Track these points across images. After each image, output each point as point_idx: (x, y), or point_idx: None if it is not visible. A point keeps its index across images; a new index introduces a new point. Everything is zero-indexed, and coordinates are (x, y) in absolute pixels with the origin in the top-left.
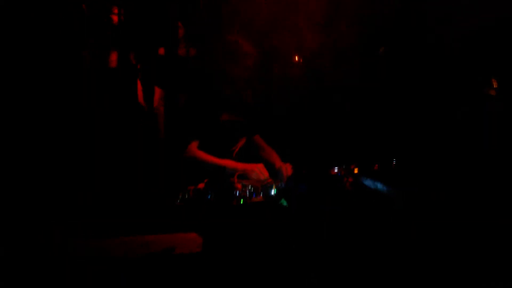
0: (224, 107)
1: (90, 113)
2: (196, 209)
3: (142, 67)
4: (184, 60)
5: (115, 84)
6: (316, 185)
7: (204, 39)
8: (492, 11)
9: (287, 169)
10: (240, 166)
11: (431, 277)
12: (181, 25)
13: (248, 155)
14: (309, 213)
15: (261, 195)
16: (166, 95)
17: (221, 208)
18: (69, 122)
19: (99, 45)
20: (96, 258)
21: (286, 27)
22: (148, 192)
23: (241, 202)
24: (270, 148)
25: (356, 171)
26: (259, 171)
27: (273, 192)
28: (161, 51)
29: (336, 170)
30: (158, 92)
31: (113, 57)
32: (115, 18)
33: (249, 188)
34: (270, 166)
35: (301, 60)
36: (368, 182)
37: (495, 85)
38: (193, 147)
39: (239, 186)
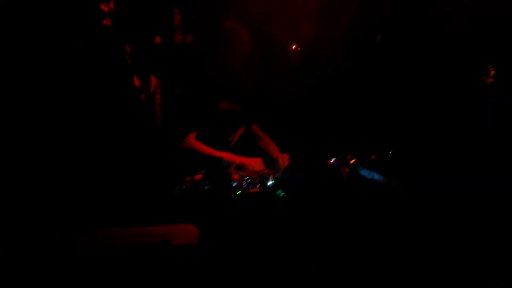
0: (221, 95)
1: (85, 105)
2: (193, 200)
3: (138, 55)
4: (181, 47)
5: (111, 74)
6: (312, 175)
7: (200, 26)
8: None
9: (284, 160)
10: (238, 159)
11: (428, 271)
12: (178, 11)
13: (246, 145)
14: (306, 204)
15: (258, 186)
16: (163, 84)
17: (218, 199)
18: (64, 114)
19: (94, 35)
20: (93, 248)
21: (283, 15)
22: (145, 182)
23: (238, 193)
24: (268, 138)
25: (352, 161)
26: (256, 165)
27: (270, 183)
28: (158, 39)
29: (332, 161)
30: (154, 81)
31: (109, 47)
32: (110, 6)
33: (246, 179)
34: (267, 157)
35: (298, 49)
36: (364, 172)
37: (492, 73)
38: (191, 138)
39: (236, 177)
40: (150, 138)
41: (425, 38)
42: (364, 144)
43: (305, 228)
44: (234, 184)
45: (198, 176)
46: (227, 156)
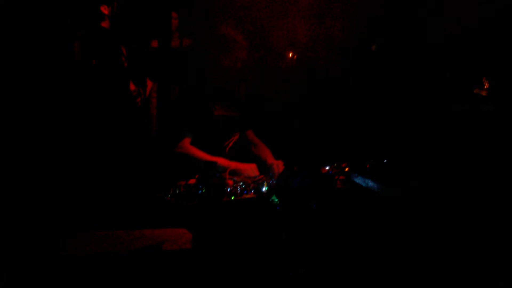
0: (217, 100)
1: (80, 106)
2: (186, 204)
3: (135, 58)
4: (177, 51)
5: (107, 76)
6: (307, 182)
7: (197, 31)
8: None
9: (278, 166)
10: (232, 164)
11: (423, 276)
12: (175, 15)
13: (241, 151)
14: (299, 210)
15: (252, 192)
16: (159, 88)
17: (212, 204)
18: (59, 115)
19: (90, 37)
20: (86, 252)
21: (279, 20)
22: (139, 186)
23: (232, 199)
24: (263, 145)
25: (347, 169)
26: (251, 170)
27: (264, 188)
28: (154, 43)
29: (327, 168)
30: (150, 84)
31: (106, 49)
32: (108, 9)
33: (241, 184)
34: (262, 163)
35: (295, 57)
36: (359, 180)
37: (486, 85)
38: (186, 143)
39: (231, 182)
40: (145, 141)
41: (418, 46)
42: (359, 152)
43: (298, 234)
44: (229, 189)
45: (192, 181)
46: (221, 161)
